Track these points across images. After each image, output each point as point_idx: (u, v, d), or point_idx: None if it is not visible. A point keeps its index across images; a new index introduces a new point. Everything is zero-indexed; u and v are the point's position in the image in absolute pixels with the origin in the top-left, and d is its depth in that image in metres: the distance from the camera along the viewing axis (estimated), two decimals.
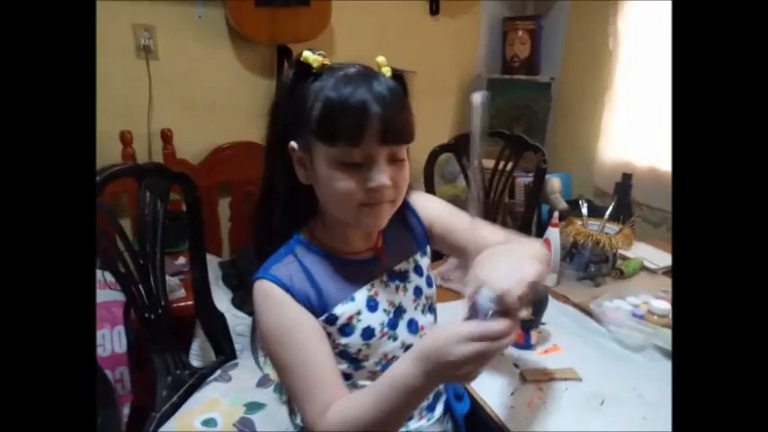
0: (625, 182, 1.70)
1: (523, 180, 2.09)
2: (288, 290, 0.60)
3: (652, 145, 1.81)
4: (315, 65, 0.59)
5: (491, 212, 1.81)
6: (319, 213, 0.66)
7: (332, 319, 0.63)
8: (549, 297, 1.14)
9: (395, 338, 0.67)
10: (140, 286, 1.03)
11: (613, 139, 1.97)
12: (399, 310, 0.68)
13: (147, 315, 1.04)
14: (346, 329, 0.63)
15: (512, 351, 0.94)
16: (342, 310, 0.63)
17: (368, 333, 0.65)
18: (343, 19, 1.89)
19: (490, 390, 0.82)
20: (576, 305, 1.12)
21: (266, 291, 0.61)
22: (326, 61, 0.60)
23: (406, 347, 0.68)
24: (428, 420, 0.73)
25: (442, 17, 2.16)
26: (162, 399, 1.06)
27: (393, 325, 0.67)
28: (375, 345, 0.65)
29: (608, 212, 1.32)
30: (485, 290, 0.51)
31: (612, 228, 1.32)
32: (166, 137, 1.77)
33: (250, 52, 1.85)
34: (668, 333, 0.93)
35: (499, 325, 0.51)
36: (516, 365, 0.89)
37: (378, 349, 0.66)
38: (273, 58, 1.86)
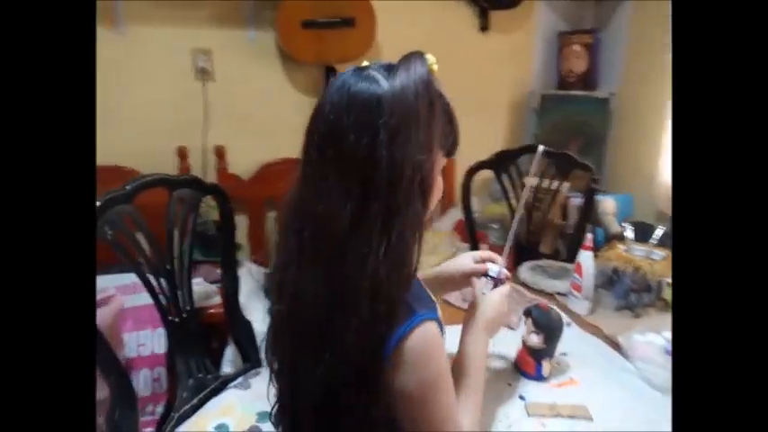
0: None
1: (576, 201, 1.97)
2: (436, 321, 0.59)
3: None
4: (435, 71, 0.58)
5: (535, 234, 1.72)
6: None
7: (442, 330, 0.62)
8: (576, 326, 1.06)
9: None
10: (166, 291, 1.09)
11: None
12: None
13: (171, 318, 1.09)
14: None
15: (520, 382, 0.87)
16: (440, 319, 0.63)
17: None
18: (388, 37, 1.92)
19: (486, 424, 0.76)
20: (606, 337, 1.02)
21: (435, 331, 0.57)
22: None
23: None
24: None
25: (493, 33, 2.12)
26: (182, 400, 1.10)
27: None
28: None
29: (655, 237, 1.21)
30: (491, 265, 0.82)
31: (660, 254, 1.20)
32: (220, 153, 1.89)
33: (298, 72, 1.93)
34: None
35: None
36: (522, 397, 0.83)
37: None
38: (320, 77, 1.93)
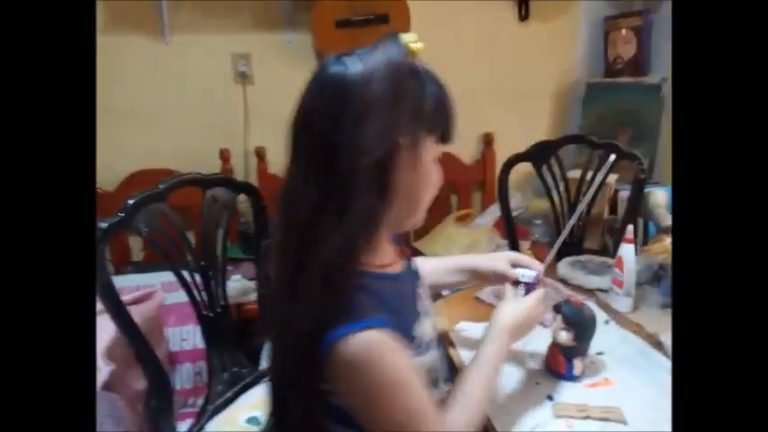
0: None
1: (625, 194, 1.86)
2: (385, 326, 0.54)
3: None
4: (418, 52, 0.57)
5: (579, 229, 1.63)
6: None
7: (412, 343, 0.60)
8: (616, 324, 1.00)
9: (436, 345, 0.69)
10: (201, 287, 1.12)
11: None
12: (429, 312, 0.70)
13: (205, 313, 1.13)
14: (423, 348, 0.63)
15: (549, 381, 0.82)
16: (420, 330, 0.62)
17: (430, 344, 0.65)
18: (423, 32, 1.88)
19: (506, 423, 0.73)
20: (648, 336, 0.95)
21: (379, 340, 0.53)
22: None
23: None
24: None
25: (533, 22, 2.04)
26: (215, 393, 1.14)
27: (433, 328, 0.68)
28: (436, 354, 0.67)
29: None
30: (520, 270, 0.81)
31: None
32: (260, 154, 1.93)
33: None
34: None
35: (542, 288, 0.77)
36: (550, 397, 0.78)
37: (435, 358, 0.67)
38: None
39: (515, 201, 2.14)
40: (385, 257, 0.63)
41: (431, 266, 0.86)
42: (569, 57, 2.14)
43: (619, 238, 1.67)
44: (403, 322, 0.58)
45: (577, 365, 0.82)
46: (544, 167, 1.56)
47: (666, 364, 0.85)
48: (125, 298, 1.33)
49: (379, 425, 0.55)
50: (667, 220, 1.72)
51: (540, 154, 1.54)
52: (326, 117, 0.53)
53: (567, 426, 0.72)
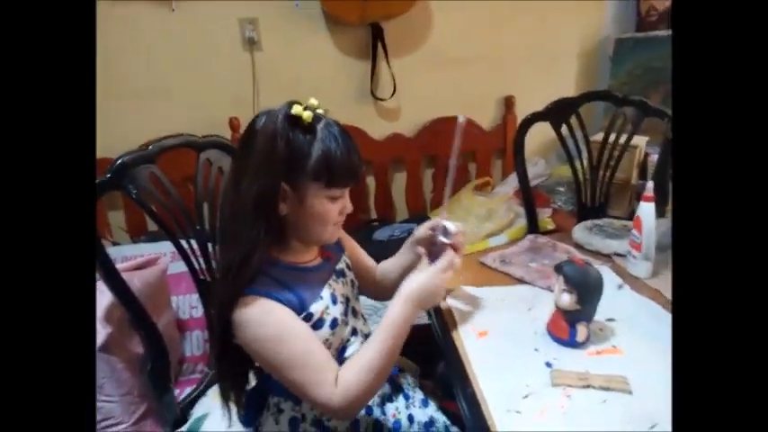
0: None
1: (655, 157, 1.72)
2: (275, 298, 0.70)
3: None
4: (307, 120, 0.69)
5: (603, 195, 1.53)
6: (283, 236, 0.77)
7: (308, 317, 0.73)
8: (630, 290, 0.91)
9: (347, 324, 0.82)
10: (197, 252, 1.10)
11: None
12: (348, 301, 0.83)
13: (202, 278, 1.11)
14: (319, 323, 0.75)
15: (550, 347, 0.76)
16: (316, 308, 0.75)
17: (334, 323, 0.77)
18: None
19: (500, 390, 0.67)
20: (668, 302, 0.86)
21: (258, 302, 0.69)
22: (311, 114, 0.70)
23: (353, 330, 0.82)
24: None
25: None
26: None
27: (346, 313, 0.81)
28: (338, 332, 0.78)
29: None
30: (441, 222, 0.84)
31: None
32: None
33: (344, 35, 1.87)
34: None
35: (452, 252, 0.81)
36: (549, 364, 0.72)
37: (338, 336, 0.78)
38: (368, 38, 1.85)
39: (539, 167, 2.03)
40: (298, 255, 0.79)
41: (393, 258, 0.97)
42: (598, 11, 1.98)
43: None
44: (299, 299, 0.73)
45: (581, 331, 0.75)
46: (566, 130, 1.46)
47: None
48: (127, 264, 1.34)
49: (273, 369, 0.71)
50: None
51: (558, 113, 1.43)
52: (238, 157, 0.76)
53: (564, 395, 0.65)
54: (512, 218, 1.78)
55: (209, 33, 1.80)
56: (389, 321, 0.72)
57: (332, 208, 0.75)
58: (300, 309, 0.73)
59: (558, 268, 0.75)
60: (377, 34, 1.84)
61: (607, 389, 0.65)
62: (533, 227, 1.56)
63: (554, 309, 0.78)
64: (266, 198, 0.70)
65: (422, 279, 0.76)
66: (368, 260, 0.98)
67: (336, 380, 0.68)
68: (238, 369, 0.79)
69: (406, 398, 0.86)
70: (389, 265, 0.96)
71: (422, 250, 0.83)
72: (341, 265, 0.87)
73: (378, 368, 0.69)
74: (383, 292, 0.96)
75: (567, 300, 0.73)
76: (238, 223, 0.71)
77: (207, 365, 1.35)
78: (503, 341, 0.78)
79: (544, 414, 0.62)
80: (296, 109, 0.69)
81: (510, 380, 0.69)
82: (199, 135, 1.48)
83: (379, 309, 1.52)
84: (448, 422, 0.86)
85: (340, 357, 0.80)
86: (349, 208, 0.78)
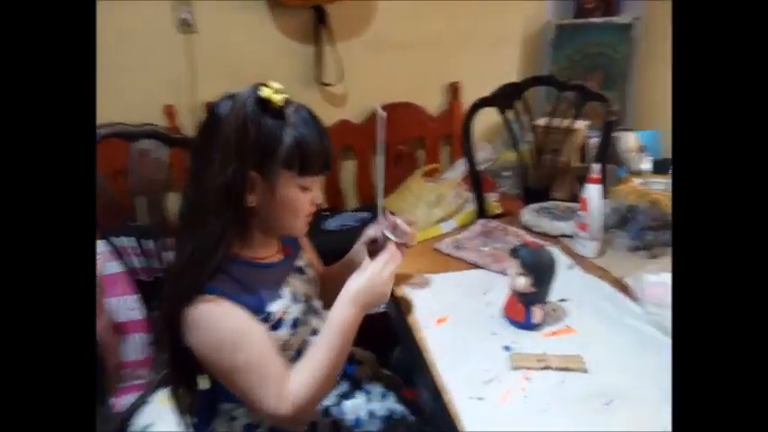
0: None
1: (596, 141, 1.79)
2: (233, 299, 0.66)
3: None
4: (279, 103, 0.65)
5: (547, 178, 1.57)
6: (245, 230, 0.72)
7: (267, 317, 0.70)
8: (580, 270, 0.94)
9: (307, 324, 0.77)
10: (135, 250, 1.02)
11: None
12: (308, 299, 0.79)
13: (140, 278, 1.03)
14: (278, 324, 0.71)
15: (507, 331, 0.76)
16: (276, 307, 0.71)
17: (295, 323, 0.74)
18: None
19: (461, 377, 0.66)
20: (614, 281, 0.89)
21: (214, 304, 0.64)
22: (283, 97, 0.66)
23: (313, 331, 0.78)
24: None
25: None
26: (161, 362, 1.06)
27: (307, 312, 0.78)
28: (298, 333, 0.74)
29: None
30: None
31: None
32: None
33: (287, 18, 1.80)
34: None
35: (393, 246, 0.78)
36: (507, 348, 0.72)
37: (299, 336, 0.75)
38: (310, 20, 1.79)
39: (485, 152, 2.06)
40: (259, 250, 0.74)
41: (335, 268, 0.94)
42: None
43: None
44: (258, 300, 0.69)
45: (537, 313, 0.75)
46: (512, 115, 1.48)
47: (633, 308, 0.79)
48: None
49: (222, 375, 0.67)
50: (638, 163, 1.67)
51: (505, 97, 1.45)
52: (199, 146, 0.69)
53: (524, 377, 0.65)
54: (460, 203, 1.79)
55: (140, 15, 1.67)
56: (334, 326, 0.69)
57: (304, 197, 0.71)
58: (259, 310, 0.69)
59: (514, 252, 0.75)
60: (321, 17, 1.78)
61: (565, 369, 0.66)
62: (482, 211, 1.58)
63: (509, 292, 0.78)
64: (233, 188, 0.65)
65: (363, 279, 0.72)
66: (320, 266, 0.94)
67: (287, 384, 0.65)
68: (191, 373, 0.74)
69: (365, 393, 0.84)
70: (338, 264, 0.91)
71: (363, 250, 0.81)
72: (300, 262, 0.83)
73: (324, 375, 0.67)
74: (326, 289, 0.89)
75: (523, 283, 0.74)
76: (200, 216, 0.66)
77: (150, 370, 1.27)
78: (461, 327, 0.78)
79: (506, 398, 0.62)
80: (266, 92, 0.65)
81: (470, 366, 0.68)
82: (130, 124, 1.38)
83: None
84: (407, 412, 0.85)
85: (299, 359, 0.76)
86: (319, 198, 0.74)
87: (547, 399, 0.62)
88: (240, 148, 0.63)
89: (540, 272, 0.74)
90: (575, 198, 1.83)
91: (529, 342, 0.73)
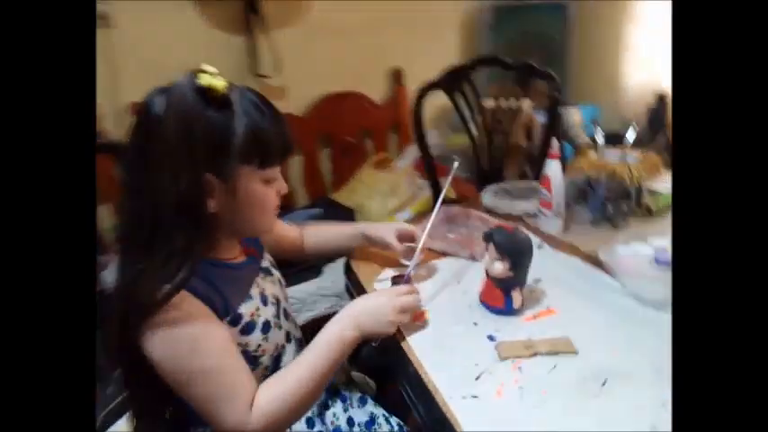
0: (659, 104, 1.40)
1: (540, 119, 1.81)
2: (196, 293, 0.59)
3: None
4: (222, 90, 0.57)
5: (498, 160, 1.56)
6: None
7: (236, 320, 0.63)
8: (549, 248, 0.92)
9: (281, 327, 0.71)
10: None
11: (643, 61, 1.65)
12: (278, 301, 0.73)
13: None
14: (248, 327, 0.65)
15: (488, 319, 0.73)
16: (245, 309, 0.65)
17: (266, 326, 0.67)
18: None
19: (448, 376, 0.62)
20: (585, 256, 0.88)
21: (175, 302, 0.56)
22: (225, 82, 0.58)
23: (287, 335, 0.73)
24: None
25: None
26: (105, 397, 0.94)
27: (278, 315, 0.72)
28: (271, 337, 0.68)
29: (628, 138, 1.06)
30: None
31: (635, 156, 1.06)
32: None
33: (214, 7, 1.67)
34: None
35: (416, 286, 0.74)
36: (491, 338, 0.68)
37: (273, 341, 0.68)
38: (240, 10, 1.67)
39: (432, 138, 2.03)
40: (222, 252, 0.67)
41: (328, 230, 0.95)
42: None
43: (538, 164, 1.64)
44: (225, 300, 0.62)
45: (516, 298, 0.72)
46: (459, 98, 1.45)
47: (610, 282, 0.78)
48: None
49: (180, 384, 0.58)
50: (584, 138, 1.70)
51: (452, 81, 1.42)
52: (134, 153, 0.58)
53: (515, 368, 0.62)
54: (415, 191, 1.76)
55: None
56: (324, 342, 0.63)
57: (269, 191, 0.64)
58: (225, 311, 0.62)
59: (488, 237, 0.71)
60: (252, 5, 1.67)
61: (554, 353, 0.64)
62: (438, 198, 1.55)
63: (485, 278, 0.75)
64: (190, 198, 0.56)
65: (372, 301, 0.68)
66: (290, 230, 0.91)
67: (252, 402, 0.58)
68: (155, 402, 0.65)
69: (344, 400, 0.78)
70: (326, 237, 0.93)
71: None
72: (266, 263, 0.76)
73: (301, 395, 0.60)
74: (311, 257, 0.94)
75: (500, 268, 0.70)
76: (149, 235, 0.56)
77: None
78: (440, 320, 0.73)
79: (501, 393, 0.58)
80: (205, 79, 0.56)
81: (458, 362, 0.64)
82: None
83: (308, 302, 1.41)
84: (387, 414, 0.80)
85: (276, 366, 0.69)
86: (284, 187, 0.67)
87: (542, 388, 0.58)
88: (188, 150, 0.55)
89: (517, 255, 0.70)
90: (525, 177, 1.86)
91: (512, 329, 0.70)
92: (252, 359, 0.65)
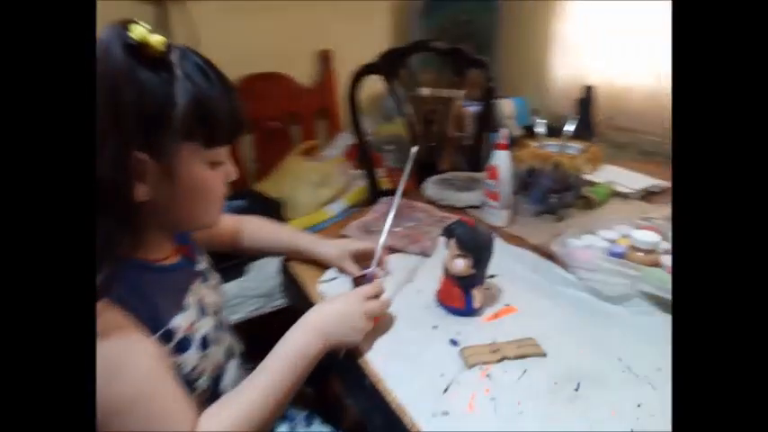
0: (586, 96, 1.44)
1: (471, 109, 1.80)
2: (119, 304, 0.48)
3: (611, 56, 1.55)
4: (159, 47, 0.47)
5: (436, 150, 1.52)
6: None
7: (168, 335, 0.52)
8: (501, 242, 0.89)
9: (220, 342, 0.61)
10: None
11: (569, 53, 1.69)
12: (217, 311, 0.63)
13: None
14: (183, 343, 0.53)
15: (447, 321, 0.67)
16: (179, 322, 0.53)
17: (205, 342, 0.57)
18: None
19: (416, 389, 0.55)
20: (534, 248, 0.86)
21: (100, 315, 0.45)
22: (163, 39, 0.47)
23: (228, 350, 0.63)
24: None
25: None
26: None
27: (218, 327, 0.61)
28: (211, 354, 0.58)
29: (568, 128, 1.06)
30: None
31: (576, 147, 1.06)
32: None
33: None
34: (659, 274, 0.68)
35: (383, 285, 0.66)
36: (454, 342, 0.63)
37: (212, 359, 0.58)
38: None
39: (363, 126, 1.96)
40: (151, 251, 0.56)
41: (269, 233, 0.83)
42: None
43: (471, 154, 1.62)
44: (155, 311, 0.51)
45: (477, 296, 0.67)
46: (396, 83, 1.38)
47: (566, 275, 0.76)
48: None
49: (100, 418, 0.44)
50: (516, 130, 1.72)
51: (389, 64, 1.34)
52: None
53: (483, 375, 0.57)
54: (347, 181, 1.67)
55: None
56: (282, 356, 0.54)
57: (215, 176, 0.54)
58: (155, 325, 0.50)
59: (449, 232, 0.65)
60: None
61: (522, 356, 0.59)
62: (375, 188, 1.48)
63: (442, 277, 0.69)
64: (112, 181, 0.45)
65: (335, 307, 0.59)
66: (227, 222, 0.80)
67: (196, 426, 0.48)
68: None
69: (290, 419, 0.69)
70: (266, 233, 0.82)
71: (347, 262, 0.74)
72: (202, 265, 0.65)
73: (259, 423, 0.50)
74: (244, 249, 0.82)
75: (462, 265, 0.65)
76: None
77: None
78: (397, 325, 0.66)
79: (473, 407, 0.52)
80: (138, 33, 0.45)
81: (422, 373, 0.57)
82: None
83: (232, 304, 1.27)
84: (333, 430, 0.72)
85: (216, 390, 0.58)
86: (233, 173, 0.57)
87: (515, 398, 0.54)
88: (112, 120, 0.44)
89: (480, 251, 0.65)
90: (458, 168, 1.85)
91: (473, 330, 0.65)
92: (186, 382, 0.53)
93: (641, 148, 1.55)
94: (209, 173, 0.53)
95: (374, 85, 1.38)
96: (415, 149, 0.79)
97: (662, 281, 0.67)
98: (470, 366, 0.58)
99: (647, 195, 1.07)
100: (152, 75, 0.46)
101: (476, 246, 0.65)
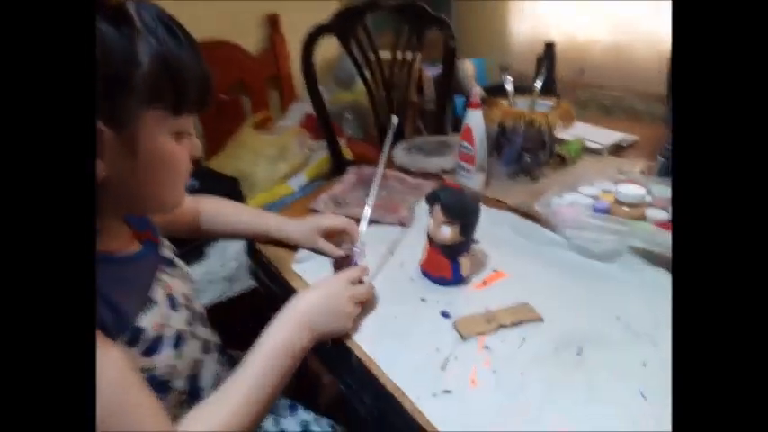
0: (548, 53, 1.41)
1: (432, 72, 1.75)
2: None
3: (570, 11, 1.53)
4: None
5: (398, 114, 1.46)
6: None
7: (136, 336, 0.46)
8: (482, 205, 0.85)
9: (196, 337, 0.55)
10: None
11: (528, 9, 1.65)
12: (189, 301, 0.56)
13: None
14: (154, 345, 0.48)
15: (435, 293, 0.63)
16: (147, 320, 0.47)
17: (179, 340, 0.51)
18: None
19: (408, 371, 0.51)
20: (513, 209, 0.83)
21: None
22: None
23: (204, 344, 0.56)
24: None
25: None
26: None
27: (192, 320, 0.55)
28: (187, 352, 0.51)
29: (537, 84, 1.02)
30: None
31: (547, 104, 1.03)
32: None
33: None
34: (647, 228, 0.66)
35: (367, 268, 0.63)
36: (445, 314, 0.59)
37: (188, 357, 0.52)
38: None
39: None
40: (109, 240, 0.49)
41: (229, 215, 0.76)
42: None
43: (435, 119, 1.57)
44: (117, 311, 0.44)
45: (464, 264, 0.64)
46: (353, 46, 1.30)
47: (551, 236, 0.73)
48: None
49: None
50: (478, 89, 1.67)
51: (345, 24, 1.26)
52: None
53: (482, 347, 0.53)
54: (307, 153, 1.59)
55: None
56: (266, 351, 0.49)
57: (181, 150, 0.47)
58: (119, 326, 0.44)
59: (433, 198, 0.61)
60: None
61: (519, 323, 0.56)
62: (338, 159, 1.41)
63: (426, 246, 0.65)
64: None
65: (318, 295, 0.55)
66: (187, 204, 0.72)
67: None
68: None
69: (272, 411, 0.64)
70: (227, 215, 0.75)
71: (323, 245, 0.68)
72: (166, 251, 0.58)
73: (247, 421, 0.46)
74: (202, 233, 0.75)
75: (449, 233, 0.60)
76: None
77: None
78: (383, 301, 0.62)
79: (475, 382, 0.49)
80: None
81: (415, 350, 0.53)
82: None
83: (213, 283, 1.19)
84: (317, 416, 0.68)
85: (194, 389, 0.52)
86: (198, 148, 0.50)
87: (518, 369, 0.50)
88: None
89: (467, 216, 0.61)
90: (419, 133, 1.80)
91: (464, 300, 0.61)
92: (160, 385, 0.47)
93: (602, 104, 1.55)
94: (175, 145, 0.46)
95: (326, 51, 1.30)
96: (395, 119, 0.73)
97: (650, 234, 0.65)
98: (466, 338, 0.54)
99: (617, 150, 1.07)
100: (111, 28, 0.39)
101: (463, 212, 0.60)
